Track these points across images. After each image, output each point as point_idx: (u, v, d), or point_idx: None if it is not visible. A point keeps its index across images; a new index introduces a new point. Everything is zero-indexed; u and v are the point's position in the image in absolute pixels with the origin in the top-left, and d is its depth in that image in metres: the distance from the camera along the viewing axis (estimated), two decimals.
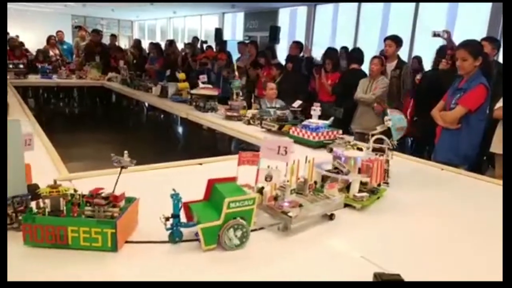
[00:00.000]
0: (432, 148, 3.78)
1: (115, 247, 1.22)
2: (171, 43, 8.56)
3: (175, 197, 1.28)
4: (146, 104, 6.12)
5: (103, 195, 1.29)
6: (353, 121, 4.58)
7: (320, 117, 3.08)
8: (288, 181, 1.53)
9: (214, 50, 7.82)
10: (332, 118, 2.97)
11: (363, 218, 1.65)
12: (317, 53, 8.16)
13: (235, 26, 14.83)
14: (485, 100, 2.83)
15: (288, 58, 5.98)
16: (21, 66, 6.49)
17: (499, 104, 2.92)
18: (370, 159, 1.80)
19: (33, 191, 1.38)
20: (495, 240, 1.45)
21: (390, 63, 4.70)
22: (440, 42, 4.97)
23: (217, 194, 1.38)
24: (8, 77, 6.09)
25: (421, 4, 8.71)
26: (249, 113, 3.75)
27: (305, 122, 2.92)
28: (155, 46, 8.32)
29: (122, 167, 1.35)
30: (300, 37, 11.57)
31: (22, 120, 3.25)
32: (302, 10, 11.92)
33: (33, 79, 6.62)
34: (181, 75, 5.00)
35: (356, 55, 5.23)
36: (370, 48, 7.40)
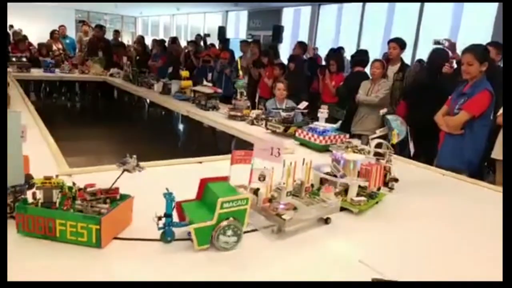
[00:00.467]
0: (429, 151, 3.79)
1: (99, 243, 1.23)
2: (174, 40, 8.55)
3: (168, 196, 1.28)
4: (148, 101, 6.11)
5: (89, 190, 1.31)
6: (353, 123, 4.57)
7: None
8: (284, 183, 1.51)
9: (217, 48, 7.82)
10: (340, 122, 2.93)
11: (360, 222, 1.63)
12: (322, 54, 8.19)
13: (238, 25, 14.82)
14: (489, 105, 2.80)
15: (290, 58, 5.98)
16: (24, 59, 6.49)
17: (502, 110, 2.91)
18: (369, 163, 1.79)
19: (28, 182, 1.39)
20: (493, 247, 1.44)
21: (393, 65, 4.69)
22: None
23: (210, 193, 1.37)
24: (11, 70, 6.10)
25: (426, 6, 8.68)
26: (253, 113, 3.70)
27: (312, 125, 2.87)
28: (158, 42, 8.32)
29: (125, 170, 1.34)
30: (303, 37, 11.56)
31: (23, 115, 3.30)
32: (306, 10, 11.89)
33: (36, 72, 6.61)
34: (184, 73, 4.99)
35: (360, 57, 5.22)
36: (374, 49, 7.39)
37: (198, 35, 9.49)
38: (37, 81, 6.92)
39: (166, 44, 8.45)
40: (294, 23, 12.63)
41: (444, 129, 2.97)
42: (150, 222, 1.29)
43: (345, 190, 1.73)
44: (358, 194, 1.73)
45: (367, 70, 4.97)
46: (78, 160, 3.38)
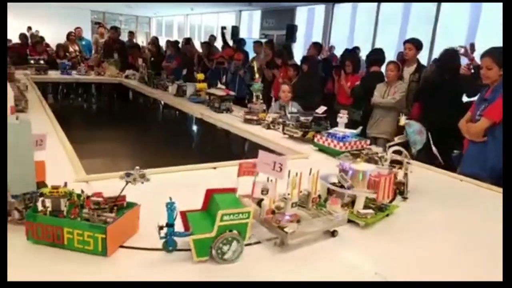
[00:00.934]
0: (445, 155, 3.70)
1: (105, 252, 1.25)
2: (188, 41, 8.59)
3: (170, 206, 1.27)
4: (162, 102, 6.15)
5: (94, 199, 1.33)
6: (368, 126, 4.52)
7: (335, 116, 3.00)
8: (289, 194, 1.46)
9: (231, 48, 7.82)
10: (360, 128, 2.84)
11: (368, 236, 1.56)
12: (337, 53, 8.12)
13: (251, 24, 14.81)
14: None
15: (304, 59, 5.95)
16: (42, 62, 6.60)
17: None
18: (379, 174, 1.70)
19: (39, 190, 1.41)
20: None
21: (409, 67, 4.63)
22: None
23: (214, 204, 1.36)
24: (29, 72, 6.23)
25: (443, 6, 8.53)
26: (269, 116, 3.64)
27: (331, 130, 2.80)
28: (172, 44, 8.38)
29: (128, 182, 1.36)
30: (317, 36, 11.49)
31: (40, 117, 3.36)
32: (320, 9, 11.81)
33: (53, 75, 6.71)
34: (199, 76, 5.00)
35: (375, 56, 5.16)
36: (389, 49, 7.29)
37: (212, 35, 9.53)
38: (54, 83, 7.04)
39: (180, 45, 8.51)
40: (308, 23, 12.55)
41: (466, 136, 2.89)
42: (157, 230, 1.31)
43: (353, 202, 1.67)
44: (366, 207, 1.67)
45: (383, 69, 4.92)
46: (93, 162, 3.43)
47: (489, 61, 2.72)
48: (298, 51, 10.66)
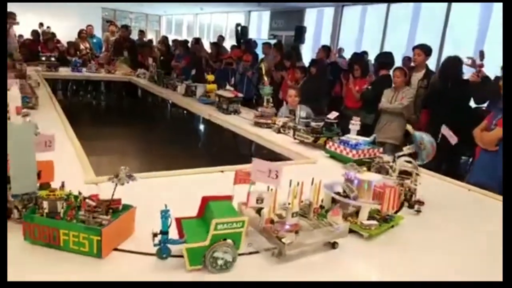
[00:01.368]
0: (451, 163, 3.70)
1: (100, 254, 1.27)
2: (197, 41, 8.64)
3: (164, 213, 1.26)
4: (170, 102, 6.19)
5: (88, 202, 1.35)
6: (376, 130, 4.53)
7: (343, 120, 2.99)
8: (289, 203, 1.43)
9: (240, 49, 7.86)
10: (374, 136, 2.79)
11: (371, 248, 1.53)
12: (346, 55, 8.10)
13: (260, 24, 14.82)
14: None
15: (312, 62, 5.96)
16: (53, 59, 6.67)
17: None
18: (384, 185, 1.67)
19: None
20: None
21: (418, 72, 4.63)
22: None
23: (209, 212, 1.34)
24: (40, 69, 6.31)
25: (452, 9, 8.48)
26: (280, 121, 3.60)
27: (344, 138, 2.75)
28: (181, 43, 8.42)
29: (117, 184, 1.37)
30: (326, 38, 11.48)
31: (50, 115, 3.41)
32: (329, 10, 11.80)
33: (64, 72, 6.78)
34: (209, 77, 5.01)
35: (385, 59, 5.16)
36: (397, 52, 7.29)
37: (221, 36, 9.56)
38: (64, 79, 7.11)
39: (189, 44, 8.55)
40: (317, 24, 12.54)
41: (479, 144, 2.91)
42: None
43: (357, 212, 1.65)
44: (371, 217, 1.64)
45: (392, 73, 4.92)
46: (101, 160, 3.47)
47: None
48: (307, 53, 10.67)
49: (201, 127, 5.79)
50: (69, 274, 1.21)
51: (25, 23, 8.63)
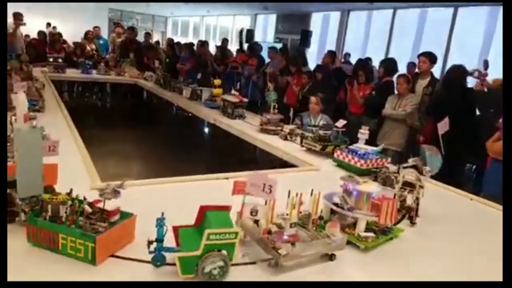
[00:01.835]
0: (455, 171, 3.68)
1: (94, 261, 1.30)
2: (203, 44, 8.66)
3: (159, 222, 1.28)
4: (175, 105, 6.22)
5: (86, 208, 1.37)
6: (379, 137, 4.54)
7: (348, 126, 3.00)
8: (287, 214, 1.43)
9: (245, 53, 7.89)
10: (382, 146, 2.77)
11: (368, 260, 1.53)
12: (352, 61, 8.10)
13: (266, 28, 14.87)
14: None
15: (318, 68, 5.98)
16: (60, 60, 6.71)
17: None
18: (382, 197, 1.65)
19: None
20: None
21: (423, 80, 4.64)
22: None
23: (206, 222, 1.36)
24: (46, 70, 6.35)
25: (458, 16, 8.48)
26: (287, 128, 3.57)
27: (352, 147, 2.71)
28: (186, 46, 8.44)
29: (106, 199, 1.39)
30: (331, 43, 11.50)
31: (56, 119, 3.43)
32: (335, 15, 11.82)
33: (71, 73, 6.79)
34: (217, 81, 5.04)
35: (388, 65, 5.17)
36: (402, 58, 7.28)
37: (225, 39, 9.58)
38: (70, 81, 7.15)
39: (195, 47, 8.58)
40: (323, 29, 12.56)
41: (490, 154, 2.91)
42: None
43: (355, 223, 1.64)
44: (369, 229, 1.63)
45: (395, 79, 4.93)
46: (106, 164, 3.47)
47: None
48: (312, 57, 10.69)
49: (206, 131, 5.81)
50: (63, 274, 1.25)
51: (32, 24, 8.69)
